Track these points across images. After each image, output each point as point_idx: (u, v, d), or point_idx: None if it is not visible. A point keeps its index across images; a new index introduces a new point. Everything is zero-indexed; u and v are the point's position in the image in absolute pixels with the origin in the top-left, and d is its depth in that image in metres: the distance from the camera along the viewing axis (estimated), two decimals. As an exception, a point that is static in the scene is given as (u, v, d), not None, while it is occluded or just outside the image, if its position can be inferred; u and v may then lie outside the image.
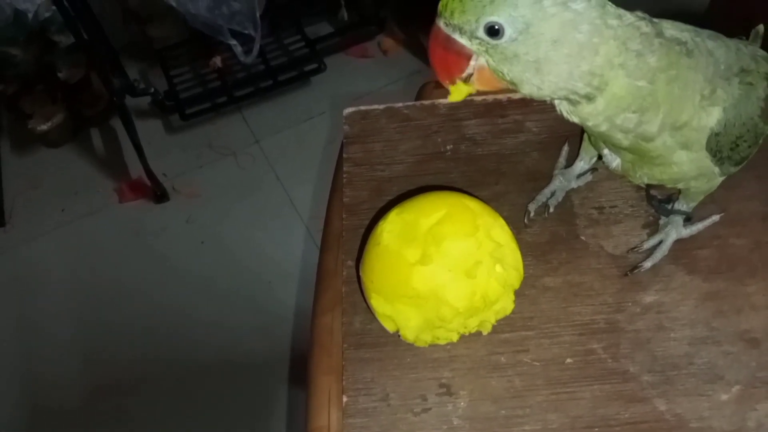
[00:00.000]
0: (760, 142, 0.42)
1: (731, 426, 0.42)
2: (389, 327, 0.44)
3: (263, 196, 1.37)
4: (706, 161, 0.40)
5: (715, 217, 0.50)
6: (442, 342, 0.44)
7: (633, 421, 0.42)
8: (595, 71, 0.34)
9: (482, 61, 0.36)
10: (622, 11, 0.36)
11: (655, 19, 0.38)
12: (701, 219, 0.50)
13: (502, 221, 0.44)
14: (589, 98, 0.36)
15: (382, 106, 0.60)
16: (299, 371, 1.13)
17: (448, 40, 0.35)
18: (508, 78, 0.36)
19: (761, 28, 0.49)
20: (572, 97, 0.36)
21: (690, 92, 0.37)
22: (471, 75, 0.37)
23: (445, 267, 0.41)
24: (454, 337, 0.44)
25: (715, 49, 0.39)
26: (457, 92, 0.38)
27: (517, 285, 0.44)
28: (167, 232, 1.34)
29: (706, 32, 0.40)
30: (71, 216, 1.38)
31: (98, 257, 1.32)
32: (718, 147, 0.39)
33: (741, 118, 0.38)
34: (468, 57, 0.36)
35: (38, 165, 1.47)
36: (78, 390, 1.15)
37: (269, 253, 1.28)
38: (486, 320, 0.44)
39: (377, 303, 0.43)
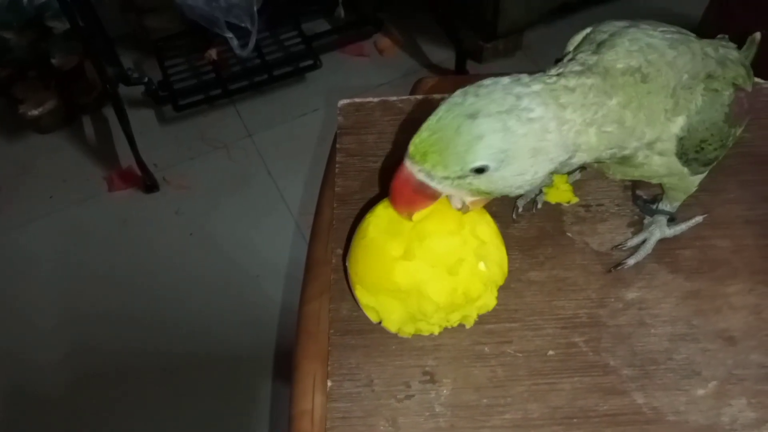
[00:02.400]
0: (729, 144, 0.43)
1: (707, 420, 0.42)
2: (373, 317, 0.44)
3: (254, 190, 1.37)
4: (675, 163, 0.41)
5: (699, 219, 0.51)
6: (425, 333, 0.45)
7: (611, 413, 0.43)
8: (571, 146, 0.37)
9: (464, 194, 0.38)
10: (561, 71, 0.37)
11: (596, 49, 0.39)
12: (685, 220, 0.51)
13: (488, 218, 0.45)
14: (570, 158, 0.38)
15: (376, 99, 0.60)
16: (284, 365, 1.13)
17: (422, 184, 0.37)
18: (497, 194, 0.38)
19: (758, 36, 0.50)
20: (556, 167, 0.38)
21: (655, 113, 0.38)
22: (465, 207, 0.40)
23: (428, 263, 0.41)
24: (436, 330, 0.45)
25: (677, 58, 0.39)
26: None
27: (500, 282, 0.45)
28: (156, 223, 1.33)
29: (667, 39, 0.40)
30: (60, 203, 1.37)
31: (86, 245, 1.31)
32: (683, 150, 0.40)
33: (705, 124, 0.40)
34: (436, 197, 0.38)
35: (28, 151, 1.46)
36: (62, 378, 1.14)
37: (258, 247, 1.28)
38: (468, 315, 0.45)
39: (361, 294, 0.44)
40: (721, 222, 0.52)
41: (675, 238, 0.51)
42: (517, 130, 0.35)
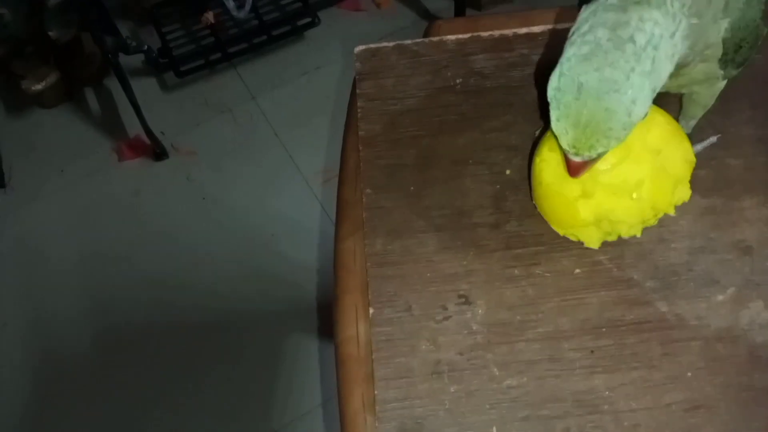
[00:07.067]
0: (759, 44, 0.44)
1: (726, 323, 0.45)
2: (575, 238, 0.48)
3: (261, 151, 1.38)
4: (714, 66, 0.43)
5: (713, 139, 0.53)
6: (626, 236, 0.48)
7: (637, 321, 0.46)
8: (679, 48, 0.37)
9: None
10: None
11: None
12: (700, 141, 0.53)
13: (658, 117, 0.45)
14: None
15: (391, 44, 0.62)
16: (303, 321, 1.17)
17: (590, 159, 0.38)
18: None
19: None
20: None
21: (716, 13, 0.39)
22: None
23: (608, 194, 0.43)
24: (639, 232, 0.47)
25: None
26: None
27: (688, 174, 0.46)
28: (168, 190, 1.35)
29: None
30: (71, 177, 1.39)
31: (100, 216, 1.33)
32: (724, 50, 0.41)
33: (745, 21, 0.41)
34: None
35: (34, 127, 1.47)
36: (86, 350, 1.18)
37: (270, 207, 1.30)
38: (665, 211, 0.46)
39: (556, 228, 0.48)
40: (733, 142, 0.54)
41: (690, 159, 0.53)
42: (652, 69, 0.35)
